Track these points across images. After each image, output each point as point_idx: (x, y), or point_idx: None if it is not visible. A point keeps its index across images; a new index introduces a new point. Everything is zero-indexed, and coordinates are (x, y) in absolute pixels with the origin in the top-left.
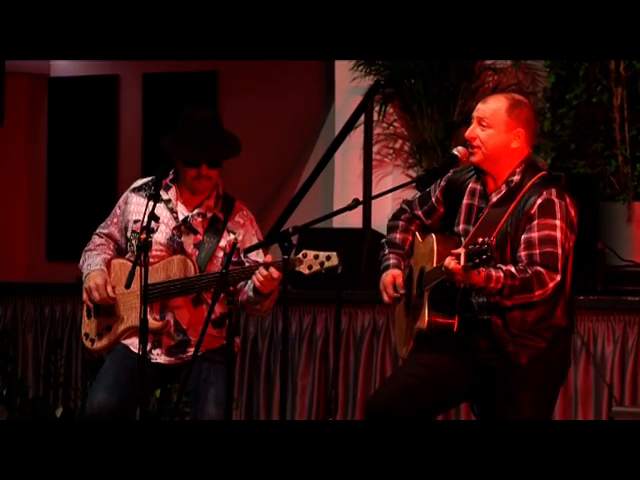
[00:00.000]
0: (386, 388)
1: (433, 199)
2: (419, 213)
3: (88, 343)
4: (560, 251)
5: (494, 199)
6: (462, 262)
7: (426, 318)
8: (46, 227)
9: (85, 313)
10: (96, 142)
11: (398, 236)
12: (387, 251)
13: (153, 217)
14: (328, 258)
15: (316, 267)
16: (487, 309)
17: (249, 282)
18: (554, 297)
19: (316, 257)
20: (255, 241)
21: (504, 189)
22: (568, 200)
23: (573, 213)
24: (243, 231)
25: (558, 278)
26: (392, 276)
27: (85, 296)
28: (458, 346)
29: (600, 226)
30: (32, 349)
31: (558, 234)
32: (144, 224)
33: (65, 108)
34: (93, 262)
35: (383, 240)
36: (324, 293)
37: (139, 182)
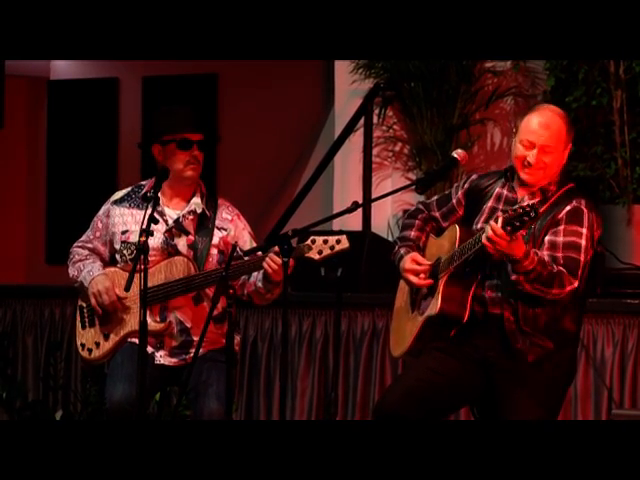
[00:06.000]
0: (395, 392)
1: (454, 200)
2: (436, 214)
3: (85, 353)
4: (582, 258)
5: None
6: (500, 225)
7: (439, 304)
8: (46, 230)
9: (79, 324)
10: (96, 145)
11: (413, 233)
12: (397, 246)
13: (153, 220)
14: (338, 241)
15: (327, 251)
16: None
17: (255, 273)
18: (568, 302)
19: (325, 242)
20: (246, 234)
21: (538, 196)
22: (594, 215)
23: (596, 226)
24: (233, 226)
25: (575, 285)
26: (411, 259)
27: (93, 301)
28: (464, 344)
29: None
30: (32, 352)
31: (583, 242)
32: (144, 227)
33: (65, 111)
34: (94, 268)
35: (396, 238)
36: (324, 296)
37: (119, 194)
